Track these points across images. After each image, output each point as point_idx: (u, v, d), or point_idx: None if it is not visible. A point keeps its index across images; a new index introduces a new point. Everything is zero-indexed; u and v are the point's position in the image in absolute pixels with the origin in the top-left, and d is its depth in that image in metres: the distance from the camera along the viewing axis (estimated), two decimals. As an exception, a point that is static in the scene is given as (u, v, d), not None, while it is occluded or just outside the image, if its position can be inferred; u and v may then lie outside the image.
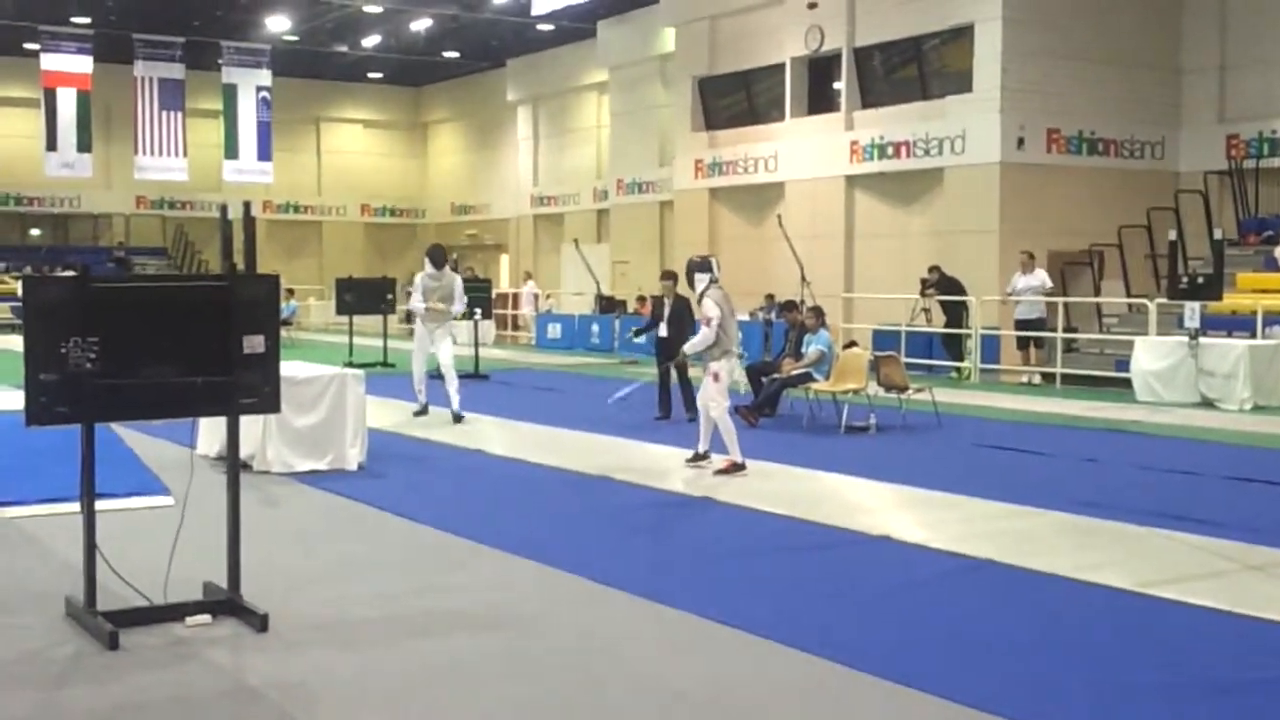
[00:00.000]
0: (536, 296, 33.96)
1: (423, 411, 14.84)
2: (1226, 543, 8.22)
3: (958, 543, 8.23)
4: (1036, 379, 20.34)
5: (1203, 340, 16.98)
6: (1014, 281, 20.73)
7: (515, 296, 35.19)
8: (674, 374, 14.81)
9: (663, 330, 14.78)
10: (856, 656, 5.77)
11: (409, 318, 37.80)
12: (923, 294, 22.36)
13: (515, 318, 34.45)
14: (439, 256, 14.84)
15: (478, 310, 20.84)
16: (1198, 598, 6.84)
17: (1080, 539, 8.57)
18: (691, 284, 11.36)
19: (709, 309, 10.88)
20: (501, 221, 42.95)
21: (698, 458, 11.27)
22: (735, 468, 10.78)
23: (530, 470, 11.43)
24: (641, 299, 29.64)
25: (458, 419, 14.34)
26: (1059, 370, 19.91)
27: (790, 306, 16.33)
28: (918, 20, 24.56)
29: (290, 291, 33.26)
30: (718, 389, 10.87)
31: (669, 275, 14.92)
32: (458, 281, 14.94)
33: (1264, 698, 5.34)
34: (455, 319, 15.10)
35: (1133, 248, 22.38)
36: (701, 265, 11.29)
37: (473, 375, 20.42)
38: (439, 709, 5.21)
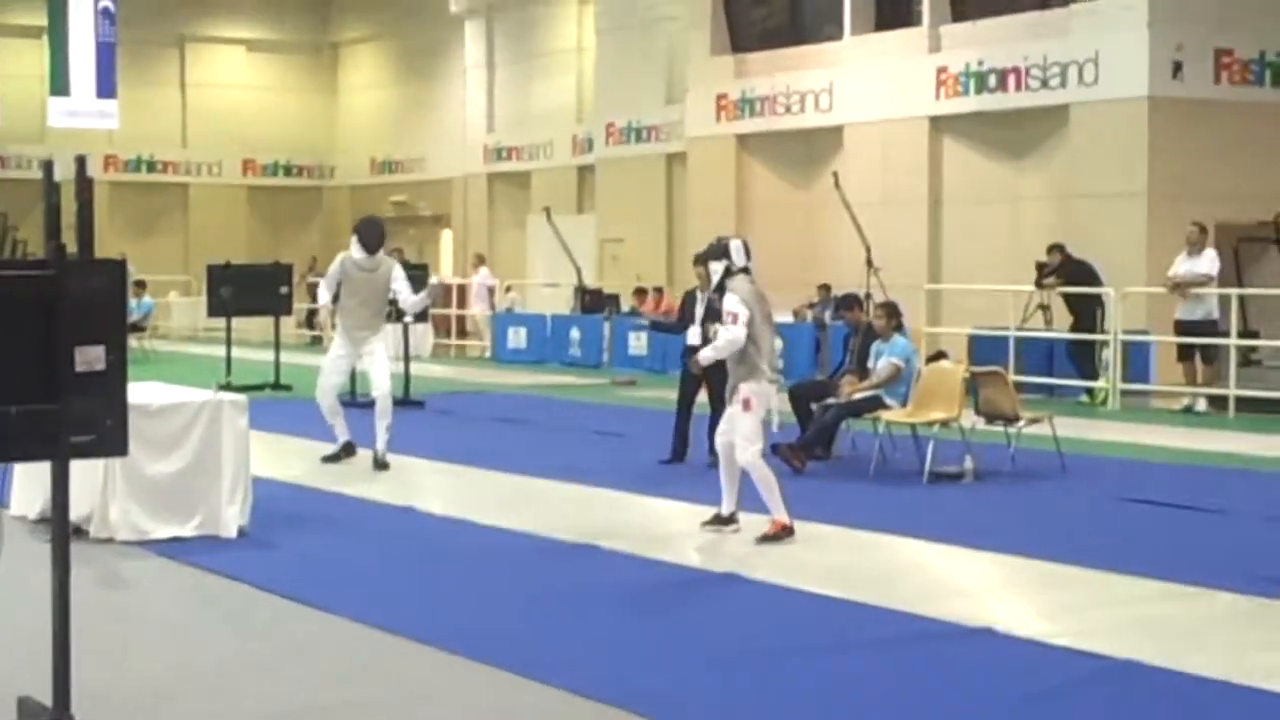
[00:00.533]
0: (492, 290, 34.04)
1: (343, 454, 14.87)
2: None
3: (1091, 637, 8.20)
4: (1202, 404, 20.33)
5: None
6: (1177, 265, 20.57)
7: (461, 289, 35.20)
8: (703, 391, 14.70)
9: (693, 336, 14.69)
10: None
11: (311, 321, 37.87)
12: (1040, 284, 22.36)
13: (462, 320, 34.49)
14: (374, 234, 14.79)
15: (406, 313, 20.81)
16: None
17: (1266, 633, 8.54)
18: (705, 277, 11.40)
19: (732, 304, 10.92)
20: (442, 183, 43.04)
21: (720, 520, 11.26)
22: (784, 531, 10.80)
23: (482, 536, 11.40)
24: (642, 292, 29.74)
25: (381, 465, 14.40)
26: (1233, 392, 19.89)
27: (851, 302, 16.34)
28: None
29: (140, 285, 33.29)
30: (749, 423, 10.87)
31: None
32: (397, 270, 14.94)
33: None
34: (419, 305, 15.44)
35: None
36: (717, 250, 11.32)
37: (401, 401, 20.40)
38: None
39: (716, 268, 11.20)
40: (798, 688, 7.38)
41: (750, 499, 11.09)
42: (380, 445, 14.44)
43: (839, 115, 27.80)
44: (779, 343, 11.41)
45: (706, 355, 11.58)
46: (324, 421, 15.04)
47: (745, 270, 11.13)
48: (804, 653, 8.01)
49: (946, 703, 7.14)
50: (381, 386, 14.51)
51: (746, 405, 10.85)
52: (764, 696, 7.23)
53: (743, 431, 10.84)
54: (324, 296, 14.89)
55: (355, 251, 14.61)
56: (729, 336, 10.89)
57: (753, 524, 11.19)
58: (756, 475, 10.82)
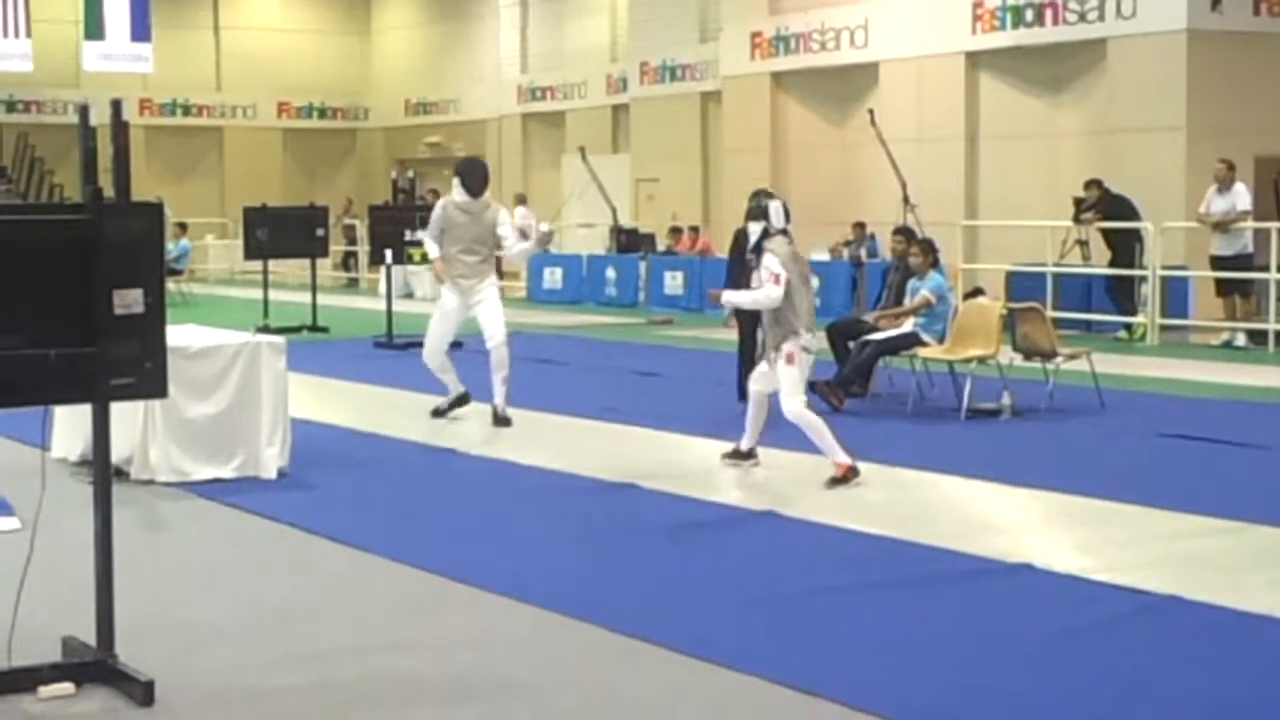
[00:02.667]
0: (531, 230, 33.87)
1: (457, 403, 14.18)
2: None
3: (1129, 572, 8.21)
4: (1241, 339, 20.25)
5: None
6: (1208, 201, 20.55)
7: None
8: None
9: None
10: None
11: (347, 263, 37.94)
12: (1078, 220, 22.26)
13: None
14: (478, 175, 13.86)
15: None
16: None
17: (1304, 566, 8.55)
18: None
19: (773, 264, 10.85)
20: (476, 125, 42.97)
21: (739, 455, 11.47)
22: (850, 472, 10.72)
23: (523, 476, 11.44)
24: (677, 231, 29.68)
25: (502, 420, 13.66)
26: (1272, 326, 19.81)
27: (903, 233, 16.14)
28: None
29: (182, 227, 33.40)
30: (792, 377, 10.85)
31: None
32: (503, 214, 14.04)
33: None
34: (526, 255, 14.08)
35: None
36: (756, 211, 11.22)
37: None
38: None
39: (755, 229, 11.14)
40: (835, 626, 7.39)
41: (793, 441, 11.09)
42: (499, 399, 13.68)
43: (874, 52, 27.66)
44: (813, 313, 11.29)
45: (734, 298, 11.64)
46: (432, 373, 14.17)
47: (783, 232, 11.09)
48: (842, 590, 8.02)
49: (986, 638, 7.13)
50: (495, 335, 13.64)
51: (790, 359, 10.81)
52: (800, 634, 7.24)
53: (786, 386, 10.83)
54: (434, 249, 13.98)
55: (458, 194, 13.76)
56: (768, 294, 10.84)
57: (783, 462, 11.21)
58: (805, 424, 10.84)
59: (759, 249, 11.05)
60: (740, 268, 14.29)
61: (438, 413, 14.10)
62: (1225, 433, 12.85)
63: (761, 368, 11.27)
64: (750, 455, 11.43)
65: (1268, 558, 8.78)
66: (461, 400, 14.12)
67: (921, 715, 6.03)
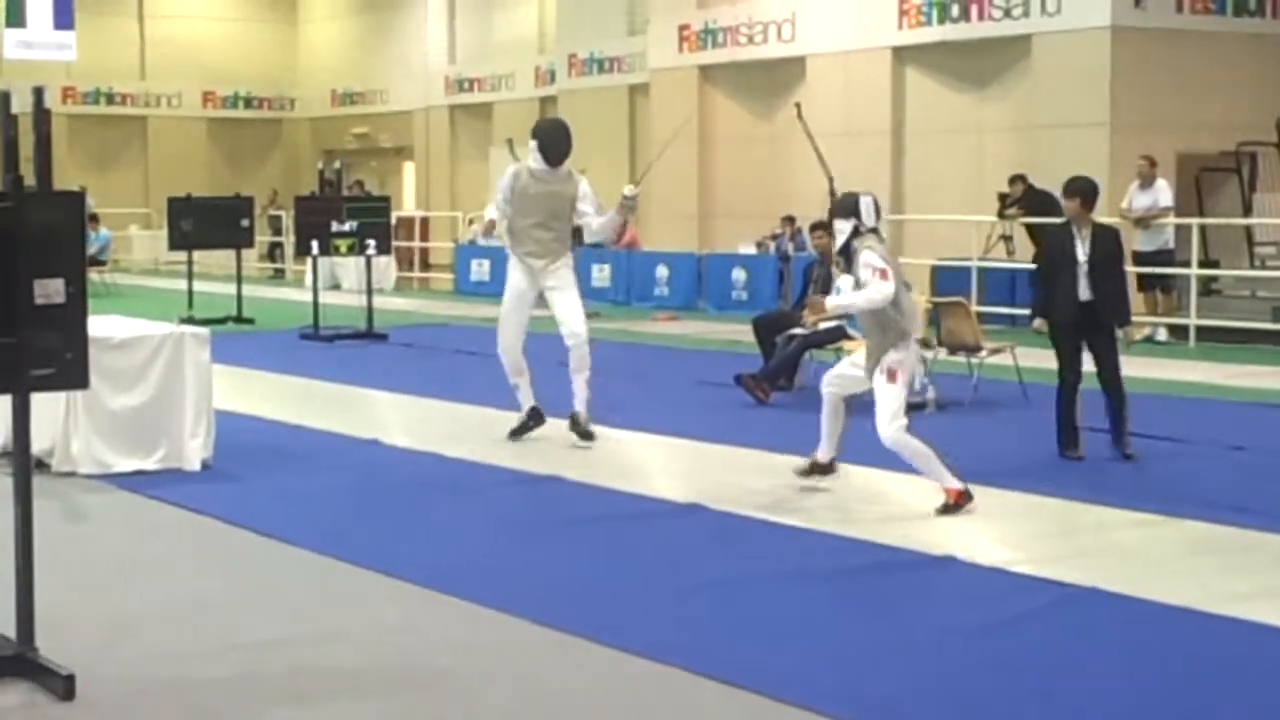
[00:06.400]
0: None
1: (531, 422, 12.38)
2: None
3: (1051, 564, 8.28)
4: (1162, 334, 20.44)
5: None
6: (1130, 197, 20.73)
7: (424, 221, 35.05)
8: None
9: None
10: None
11: (273, 254, 37.70)
12: (1002, 215, 22.39)
13: (426, 252, 34.38)
14: (560, 141, 12.18)
15: (370, 243, 20.77)
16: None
17: (1223, 559, 8.63)
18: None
19: (875, 260, 9.73)
20: (404, 116, 42.80)
21: (819, 468, 10.47)
22: (963, 498, 9.70)
23: (447, 467, 11.43)
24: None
25: (585, 433, 12.09)
26: (1193, 321, 20.00)
27: (823, 227, 16.22)
28: None
29: (94, 218, 33.05)
30: (894, 398, 9.72)
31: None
32: (585, 186, 12.28)
33: None
34: (610, 228, 12.81)
35: (1300, 147, 22.50)
36: (845, 207, 10.14)
37: (365, 334, 20.41)
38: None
39: (843, 226, 10.02)
40: (758, 617, 7.42)
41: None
42: (580, 405, 12.09)
43: (801, 46, 27.69)
44: (919, 314, 10.66)
45: (841, 303, 10.41)
46: (506, 377, 12.53)
47: (874, 231, 10.01)
48: (765, 582, 8.05)
49: (908, 630, 7.19)
50: (576, 331, 12.11)
51: (892, 376, 9.71)
52: (723, 626, 7.27)
53: (888, 408, 9.66)
54: (493, 211, 12.40)
55: (534, 161, 12.13)
56: (880, 290, 9.62)
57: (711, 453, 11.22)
58: (909, 453, 9.75)
59: (847, 250, 10.02)
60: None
61: (514, 434, 12.39)
62: (1147, 427, 12.92)
63: (842, 368, 10.35)
64: (830, 469, 10.41)
65: (1188, 550, 8.86)
66: (534, 416, 12.35)
67: (843, 705, 6.06)
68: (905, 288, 10.06)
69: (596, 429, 12.11)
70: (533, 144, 12.21)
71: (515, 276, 12.43)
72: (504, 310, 12.49)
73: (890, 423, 9.63)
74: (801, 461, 10.50)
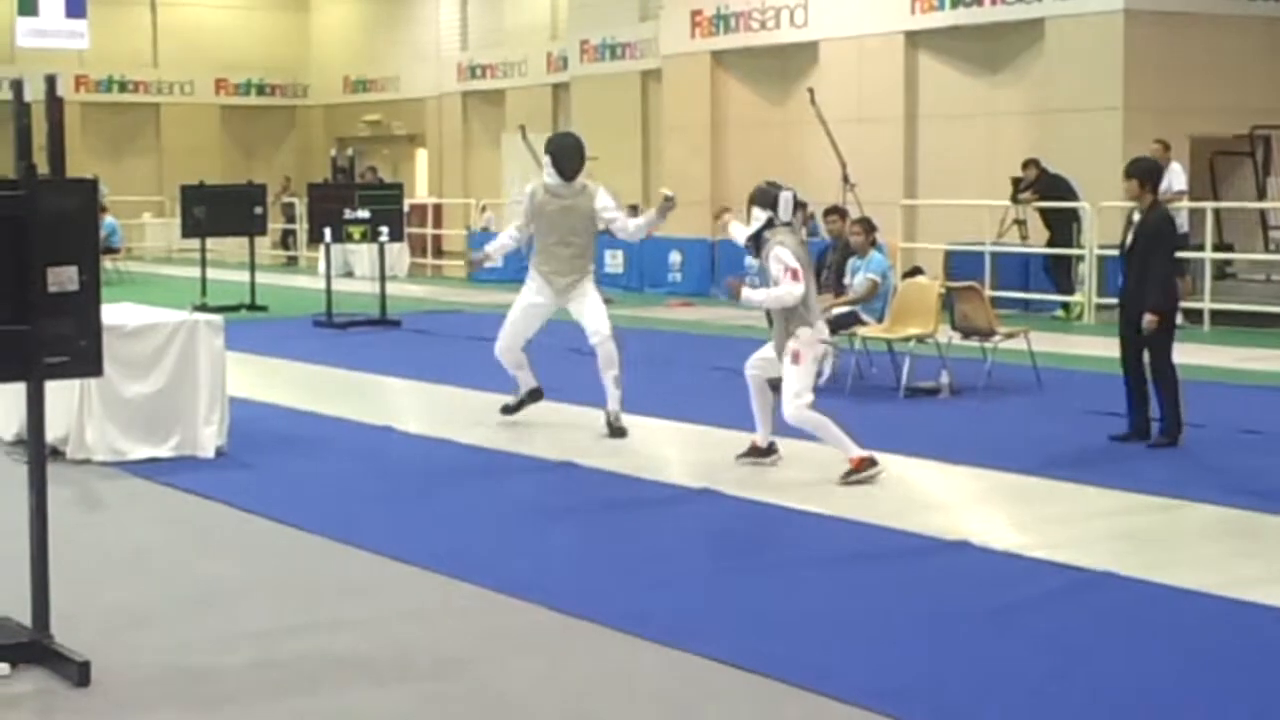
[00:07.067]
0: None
1: (528, 399, 12.64)
2: None
3: (1065, 549, 8.27)
4: (1177, 318, 20.34)
5: None
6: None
7: (437, 208, 35.03)
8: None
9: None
10: (931, 714, 5.80)
11: (286, 241, 37.75)
12: (1015, 200, 22.35)
13: (439, 239, 34.41)
14: (572, 155, 12.36)
15: (383, 230, 20.80)
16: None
17: (1237, 543, 8.63)
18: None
19: (789, 259, 10.19)
20: (416, 102, 42.77)
21: (758, 451, 10.80)
22: (865, 464, 10.10)
23: (458, 453, 11.44)
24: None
25: (617, 431, 12.03)
26: (1207, 305, 19.95)
27: (837, 212, 16.25)
28: None
29: (103, 209, 33.06)
30: (797, 377, 10.18)
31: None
32: (602, 195, 12.37)
33: None
34: (645, 230, 12.74)
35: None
36: (766, 197, 10.57)
37: (378, 321, 20.43)
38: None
39: (759, 215, 10.48)
40: (773, 602, 7.42)
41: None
42: (613, 404, 12.08)
43: (814, 31, 27.63)
44: (820, 306, 10.88)
45: (756, 298, 10.70)
46: (505, 368, 12.75)
47: (788, 225, 10.49)
48: (779, 567, 8.06)
49: (924, 615, 7.18)
50: (600, 330, 12.09)
51: (796, 358, 10.19)
52: (739, 611, 7.27)
53: (791, 387, 10.15)
54: (505, 237, 12.92)
55: (549, 177, 12.24)
56: (790, 290, 10.10)
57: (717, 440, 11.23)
58: (811, 426, 10.16)
59: (759, 238, 10.47)
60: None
61: (507, 410, 12.68)
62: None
63: (761, 353, 10.64)
64: (771, 451, 10.75)
65: (1202, 535, 8.86)
66: (533, 395, 12.61)
67: (859, 689, 6.06)
68: (812, 280, 10.51)
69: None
70: (546, 160, 12.29)
71: (529, 291, 12.41)
72: (510, 318, 12.52)
73: (793, 400, 10.13)
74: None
